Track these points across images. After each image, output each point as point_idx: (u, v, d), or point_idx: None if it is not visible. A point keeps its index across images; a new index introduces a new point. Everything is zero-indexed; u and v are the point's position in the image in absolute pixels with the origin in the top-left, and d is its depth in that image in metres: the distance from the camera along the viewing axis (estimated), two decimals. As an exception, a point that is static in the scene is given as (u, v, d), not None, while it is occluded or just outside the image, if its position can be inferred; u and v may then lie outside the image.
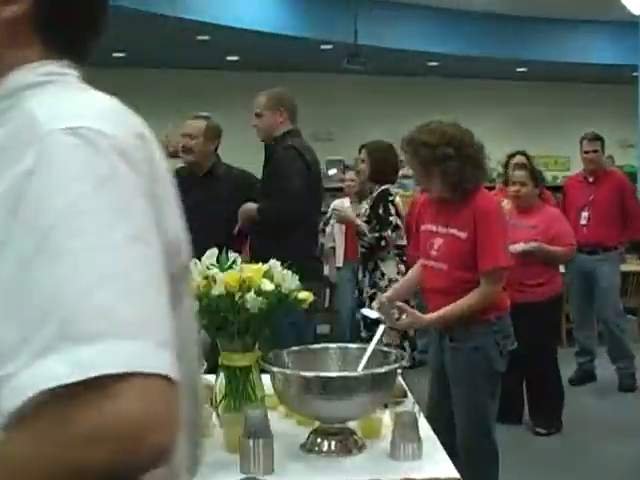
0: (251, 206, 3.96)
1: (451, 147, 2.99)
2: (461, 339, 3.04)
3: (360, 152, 5.03)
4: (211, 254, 2.24)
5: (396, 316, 2.96)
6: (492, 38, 11.39)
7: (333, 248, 6.70)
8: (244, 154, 7.44)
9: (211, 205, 4.13)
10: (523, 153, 5.35)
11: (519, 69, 12.61)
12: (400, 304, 2.99)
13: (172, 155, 4.44)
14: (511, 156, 5.43)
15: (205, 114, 4.29)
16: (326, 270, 6.70)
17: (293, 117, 4.05)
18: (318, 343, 2.47)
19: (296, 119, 4.06)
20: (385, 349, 2.31)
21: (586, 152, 5.71)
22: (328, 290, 6.98)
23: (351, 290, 6.65)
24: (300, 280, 2.25)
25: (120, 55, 11.92)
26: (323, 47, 11.20)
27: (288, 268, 2.24)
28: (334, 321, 6.93)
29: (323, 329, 7.55)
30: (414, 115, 14.79)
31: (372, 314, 2.77)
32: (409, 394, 2.50)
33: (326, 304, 7.07)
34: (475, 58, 11.66)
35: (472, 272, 2.96)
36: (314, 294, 2.37)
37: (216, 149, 4.27)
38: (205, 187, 4.19)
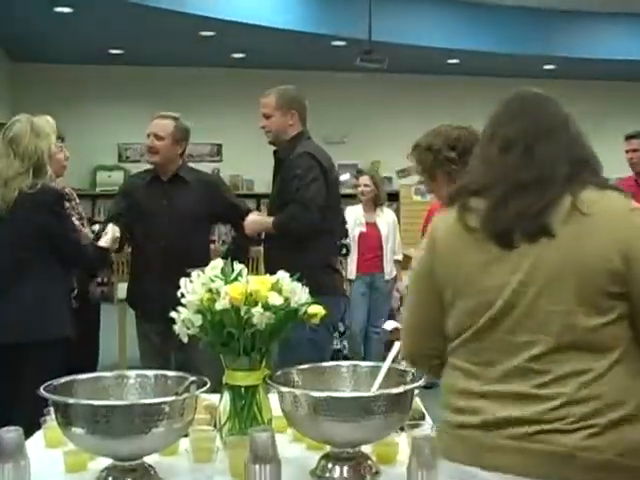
0: (263, 219, 3.97)
1: (455, 150, 3.00)
2: None
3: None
4: (215, 265, 2.24)
5: None
6: (516, 33, 11.38)
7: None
8: (250, 157, 7.46)
9: (177, 211, 4.13)
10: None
11: (546, 66, 12.61)
12: None
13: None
14: None
15: (174, 114, 4.28)
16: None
17: (304, 118, 4.05)
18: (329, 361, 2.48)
19: (306, 120, 4.07)
20: (402, 367, 2.31)
21: (627, 152, 5.69)
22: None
23: (364, 304, 6.68)
24: (318, 293, 2.27)
25: (117, 52, 11.99)
26: (335, 44, 11.23)
27: (307, 281, 2.24)
28: (346, 337, 6.93)
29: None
30: (433, 117, 14.78)
31: (390, 325, 2.77)
32: (427, 416, 2.50)
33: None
34: (498, 55, 11.66)
35: None
36: (333, 308, 2.37)
37: (182, 153, 4.26)
38: (170, 192, 4.19)
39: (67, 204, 3.75)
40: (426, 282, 1.88)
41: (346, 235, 5.85)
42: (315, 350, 3.57)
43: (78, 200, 4.33)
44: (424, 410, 2.53)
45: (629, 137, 5.69)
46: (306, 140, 4.02)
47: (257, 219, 4.02)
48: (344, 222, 5.47)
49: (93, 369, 4.15)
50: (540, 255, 1.72)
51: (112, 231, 3.85)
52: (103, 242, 3.79)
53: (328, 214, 3.92)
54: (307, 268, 2.32)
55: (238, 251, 3.99)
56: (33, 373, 3.37)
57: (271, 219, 3.93)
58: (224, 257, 2.32)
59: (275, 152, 4.09)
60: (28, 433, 2.03)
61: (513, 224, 1.74)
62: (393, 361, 2.31)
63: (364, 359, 6.22)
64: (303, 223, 3.82)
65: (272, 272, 2.29)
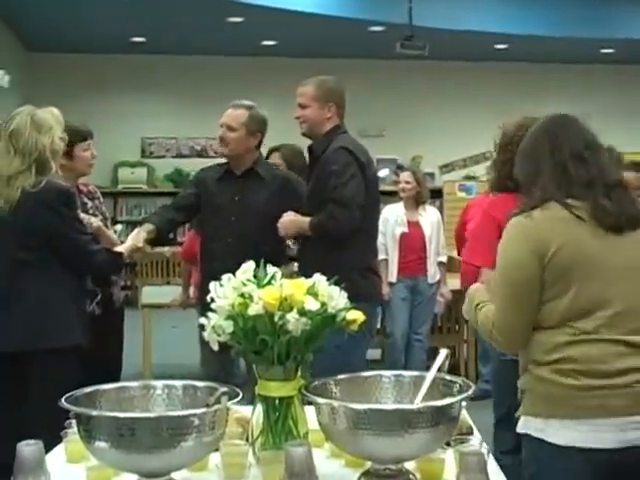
0: (299, 219, 3.95)
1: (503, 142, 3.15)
2: None
3: (269, 156, 5.00)
4: (247, 268, 2.25)
5: None
6: (571, 15, 11.27)
7: (385, 260, 6.69)
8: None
9: (247, 208, 4.17)
10: (611, 149, 5.28)
11: (604, 50, 12.49)
12: None
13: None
14: None
15: (249, 103, 4.31)
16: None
17: (342, 112, 4.06)
18: (369, 370, 2.47)
19: (344, 114, 4.07)
20: (448, 377, 2.30)
21: None
22: (379, 309, 6.97)
23: (406, 310, 6.67)
24: (354, 300, 2.27)
25: (138, 40, 12.08)
26: (372, 29, 11.23)
27: (343, 285, 2.24)
28: (386, 345, 6.92)
29: (373, 354, 7.54)
30: (478, 107, 14.78)
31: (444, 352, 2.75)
32: (475, 430, 2.49)
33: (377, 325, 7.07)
34: (551, 39, 11.56)
35: None
36: (370, 316, 2.37)
37: (259, 145, 4.31)
38: (243, 188, 4.24)
39: (78, 202, 3.74)
40: (533, 281, 2.38)
41: None
42: (349, 359, 3.60)
43: (102, 199, 4.37)
44: (472, 424, 2.52)
45: None
46: (342, 134, 4.03)
47: (293, 219, 4.01)
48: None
49: (118, 378, 4.19)
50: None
51: (133, 240, 3.88)
52: (121, 248, 3.79)
53: (367, 213, 3.92)
54: (344, 271, 2.32)
55: None
56: (41, 384, 3.41)
57: (307, 220, 3.93)
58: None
59: (309, 148, 4.10)
60: (45, 447, 2.04)
61: (620, 214, 2.40)
62: (438, 370, 2.30)
63: (405, 368, 6.21)
64: (343, 223, 3.81)
65: (306, 275, 2.30)
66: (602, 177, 2.44)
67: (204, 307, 4.28)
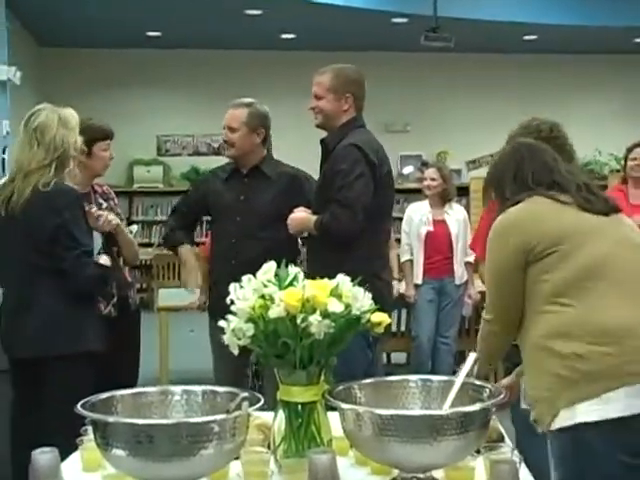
0: (306, 217, 3.92)
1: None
2: None
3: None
4: (268, 268, 2.25)
5: None
6: (603, 3, 11.20)
7: (410, 261, 6.68)
8: (301, 150, 7.48)
9: (252, 208, 4.18)
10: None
11: (638, 39, 12.41)
12: None
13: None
14: (631, 149, 5.33)
15: (248, 100, 4.32)
16: (402, 287, 6.69)
17: (360, 104, 3.99)
18: (394, 375, 2.47)
19: (362, 106, 4.02)
20: (477, 382, 2.29)
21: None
22: (405, 311, 6.96)
23: (432, 312, 6.65)
24: None
25: (154, 34, 12.13)
26: (395, 21, 11.22)
27: None
28: (411, 348, 6.91)
29: (398, 358, 7.54)
30: (506, 102, 14.71)
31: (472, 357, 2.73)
32: (506, 438, 2.48)
33: (402, 328, 7.07)
34: (583, 28, 11.49)
35: None
36: None
37: (264, 141, 4.31)
38: (249, 187, 4.25)
39: (86, 205, 3.75)
40: (519, 270, 2.51)
41: None
42: (363, 362, 3.58)
43: (117, 200, 4.40)
44: (503, 430, 2.51)
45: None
46: (358, 129, 3.96)
47: (302, 217, 3.98)
48: None
49: (135, 382, 4.21)
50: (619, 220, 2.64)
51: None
52: (102, 260, 3.72)
53: (376, 215, 3.87)
54: (351, 275, 2.29)
55: None
56: (54, 390, 3.43)
57: (313, 218, 3.90)
58: None
59: (322, 141, 4.04)
60: (59, 454, 2.05)
61: (605, 200, 2.63)
62: (467, 375, 2.29)
63: (432, 373, 6.20)
64: (345, 225, 3.77)
65: (311, 277, 2.29)
66: (575, 179, 2.66)
67: (211, 310, 4.34)
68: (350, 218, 3.76)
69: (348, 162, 3.80)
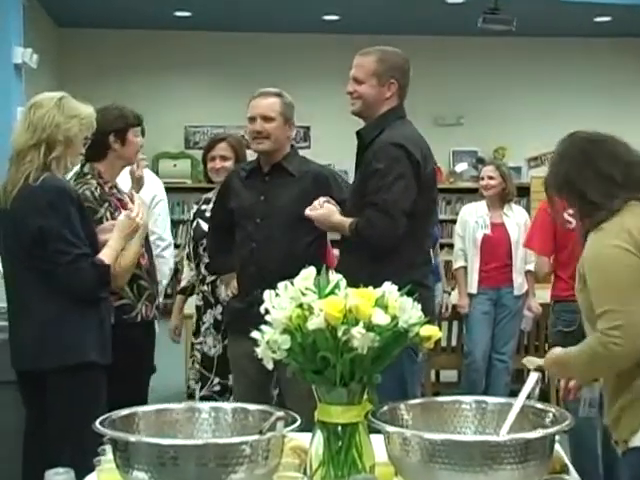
0: (336, 218, 3.86)
1: None
2: None
3: (214, 147, 5.22)
4: (307, 275, 2.25)
5: None
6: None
7: (464, 268, 6.65)
8: (344, 143, 7.49)
9: (273, 209, 4.19)
10: None
11: None
12: None
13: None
14: None
15: (274, 90, 4.32)
16: (453, 298, 6.67)
17: (403, 93, 3.95)
18: (443, 395, 2.46)
19: (405, 95, 3.98)
20: (539, 405, 2.28)
21: None
22: (456, 324, 6.94)
23: (488, 325, 6.62)
24: None
25: (184, 14, 12.21)
26: (450, 1, 11.20)
27: None
28: (463, 366, 6.88)
29: (448, 376, 7.51)
30: (573, 90, 14.57)
31: (533, 362, 2.71)
32: (571, 468, 2.46)
33: (453, 343, 7.04)
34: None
35: None
36: None
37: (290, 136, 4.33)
38: (270, 186, 4.25)
39: (80, 202, 3.69)
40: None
41: None
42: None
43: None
44: (567, 461, 2.49)
45: None
46: (398, 120, 3.93)
47: (329, 214, 3.91)
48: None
49: (142, 399, 4.14)
50: None
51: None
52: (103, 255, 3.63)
53: (418, 220, 3.83)
54: (378, 285, 2.28)
55: None
56: (56, 404, 3.45)
57: (346, 220, 3.86)
58: None
59: (358, 133, 3.99)
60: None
61: None
62: (528, 397, 2.28)
63: (485, 393, 6.17)
64: (382, 233, 3.72)
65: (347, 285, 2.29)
66: None
67: (228, 325, 4.32)
68: (388, 224, 3.72)
69: (386, 162, 3.75)
